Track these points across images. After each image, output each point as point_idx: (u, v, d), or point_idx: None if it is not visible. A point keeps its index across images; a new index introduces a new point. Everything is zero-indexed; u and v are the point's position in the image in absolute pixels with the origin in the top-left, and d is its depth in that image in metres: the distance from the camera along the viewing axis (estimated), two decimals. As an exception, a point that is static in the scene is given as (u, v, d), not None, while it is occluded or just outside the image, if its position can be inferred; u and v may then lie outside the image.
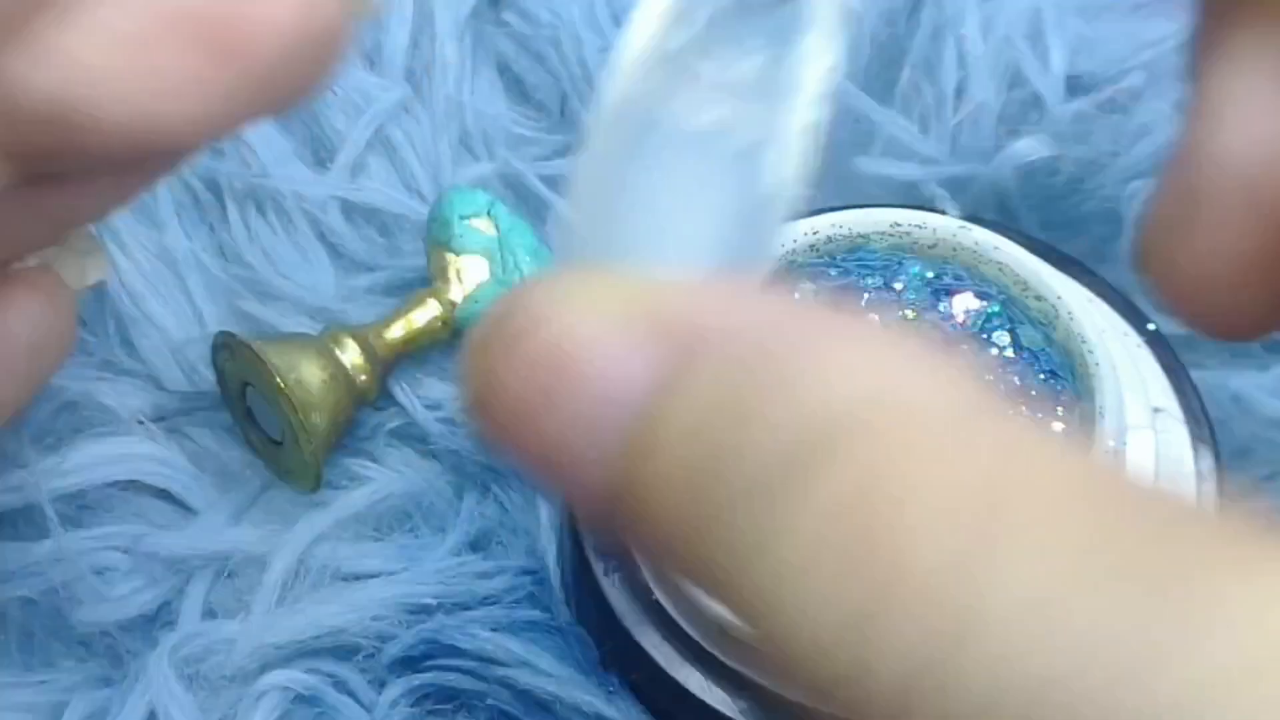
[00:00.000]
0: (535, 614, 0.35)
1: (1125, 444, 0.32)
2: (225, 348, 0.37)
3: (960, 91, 0.41)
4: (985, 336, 0.33)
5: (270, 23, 0.23)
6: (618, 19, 0.43)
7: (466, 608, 0.36)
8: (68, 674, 0.36)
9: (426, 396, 0.39)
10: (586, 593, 0.34)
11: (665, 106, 0.21)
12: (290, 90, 0.24)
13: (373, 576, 0.36)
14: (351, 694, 0.35)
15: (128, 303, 0.39)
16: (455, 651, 0.35)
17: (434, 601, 0.35)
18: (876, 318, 0.22)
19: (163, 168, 0.27)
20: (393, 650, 0.35)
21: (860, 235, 0.34)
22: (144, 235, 0.40)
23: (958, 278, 0.34)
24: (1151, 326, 0.36)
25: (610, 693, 0.34)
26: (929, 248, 0.34)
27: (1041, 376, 0.33)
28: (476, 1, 0.43)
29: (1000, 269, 0.33)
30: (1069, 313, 0.33)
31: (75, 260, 0.28)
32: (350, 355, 0.37)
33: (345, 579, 0.36)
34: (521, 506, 0.37)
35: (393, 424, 0.38)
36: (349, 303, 0.39)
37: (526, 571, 0.36)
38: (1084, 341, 0.32)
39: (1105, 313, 0.36)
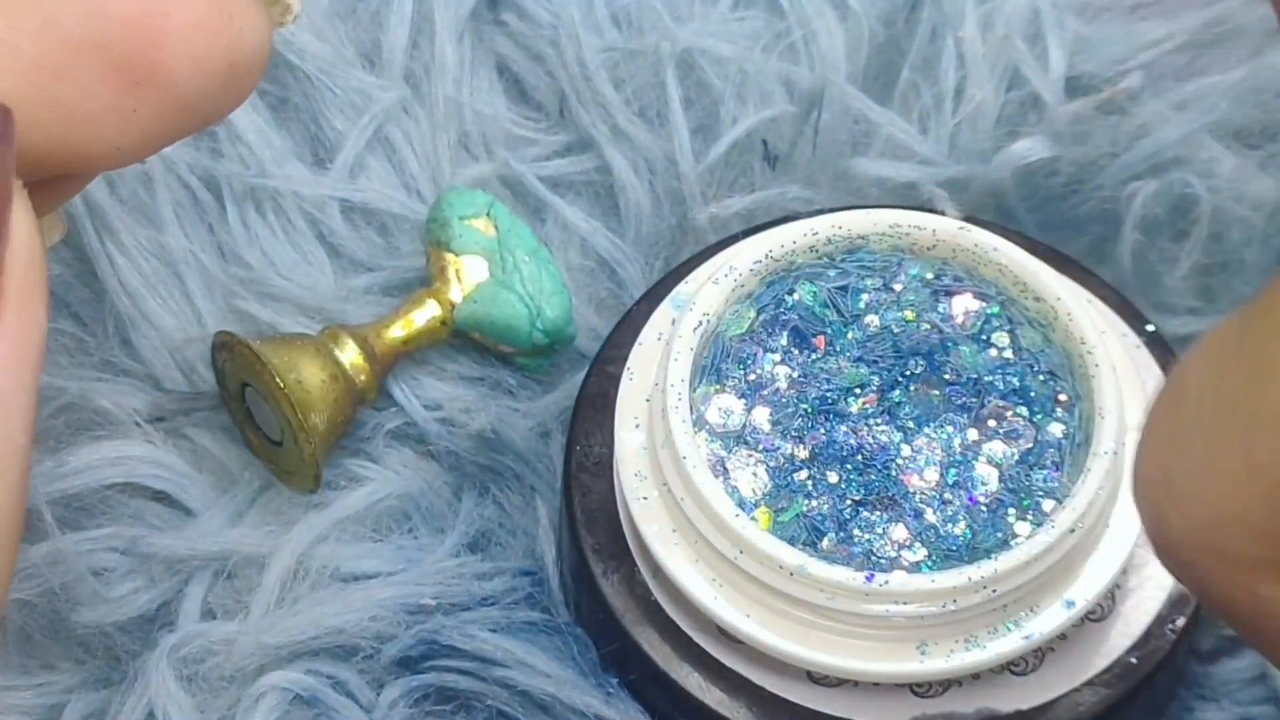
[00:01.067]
0: (534, 615, 0.35)
1: (1125, 445, 0.32)
2: (224, 347, 0.37)
3: (959, 92, 0.41)
4: (984, 338, 0.33)
5: (187, 52, 0.23)
6: (617, 19, 0.43)
7: (465, 608, 0.36)
8: (66, 675, 0.36)
9: (426, 397, 0.39)
10: (585, 593, 0.34)
11: None
12: (213, 112, 0.24)
13: (372, 577, 0.36)
14: (350, 695, 0.35)
15: (126, 302, 0.39)
16: (454, 652, 0.35)
17: (433, 602, 0.35)
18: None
19: (102, 172, 0.27)
20: (392, 651, 0.35)
21: (859, 236, 0.34)
22: (143, 235, 0.40)
23: (957, 279, 0.34)
24: (1150, 327, 0.36)
25: (609, 694, 0.34)
26: (928, 249, 0.34)
27: (1041, 377, 0.33)
28: (476, 2, 0.43)
29: (999, 270, 0.33)
30: (1068, 313, 0.33)
31: None
32: (350, 355, 0.37)
33: (344, 580, 0.36)
34: (520, 507, 0.37)
35: (392, 424, 0.38)
36: (348, 303, 0.39)
37: (525, 572, 0.36)
38: (1083, 342, 0.32)
39: (1104, 313, 0.36)
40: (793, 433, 0.33)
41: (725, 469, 0.32)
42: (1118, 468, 0.31)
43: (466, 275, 0.38)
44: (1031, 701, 0.32)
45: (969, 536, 0.31)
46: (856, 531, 0.31)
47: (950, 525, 0.31)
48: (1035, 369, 0.33)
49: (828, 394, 0.33)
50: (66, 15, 0.22)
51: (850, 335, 0.34)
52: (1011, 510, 0.32)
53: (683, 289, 0.36)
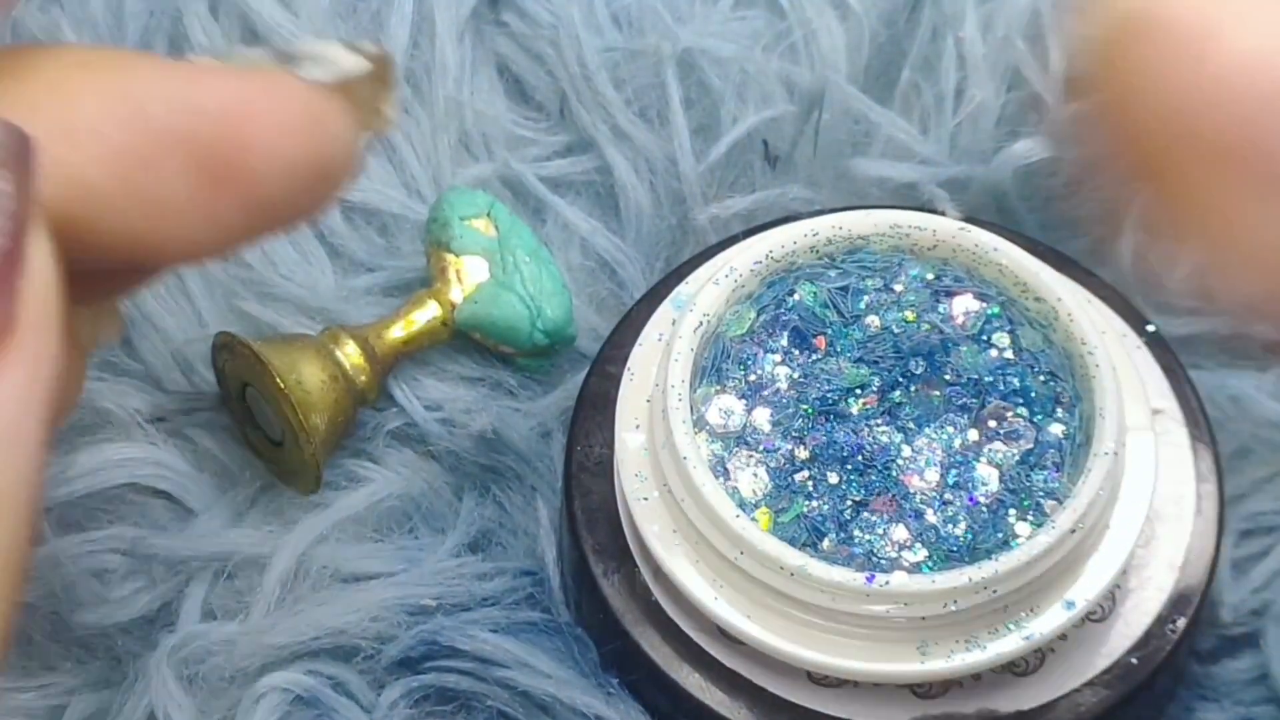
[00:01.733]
0: (535, 615, 0.35)
1: (1125, 445, 0.32)
2: (225, 348, 0.37)
3: (960, 92, 0.41)
4: (985, 338, 0.33)
5: (273, 151, 0.22)
6: (617, 19, 0.43)
7: (466, 609, 0.36)
8: (67, 676, 0.36)
9: (426, 397, 0.39)
10: (586, 594, 0.34)
11: None
12: (297, 213, 0.23)
13: (372, 578, 0.36)
14: (351, 695, 0.35)
15: (127, 303, 0.39)
16: (455, 653, 0.35)
17: (434, 602, 0.36)
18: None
19: (177, 265, 0.27)
20: (392, 651, 0.35)
21: (860, 237, 0.34)
22: (143, 236, 0.40)
23: (957, 279, 0.34)
24: (1150, 328, 0.36)
25: (609, 694, 0.34)
26: (929, 249, 0.34)
27: (1041, 378, 0.33)
28: (476, 2, 0.43)
29: (1000, 270, 0.33)
30: (1068, 314, 0.33)
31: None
32: (350, 356, 0.37)
33: (345, 580, 0.36)
34: (521, 507, 0.37)
35: (392, 425, 0.38)
36: (349, 303, 0.40)
37: (526, 573, 0.36)
38: (1084, 343, 0.32)
39: (1104, 314, 0.36)
40: (793, 433, 0.33)
41: (726, 469, 0.32)
42: (1118, 468, 0.31)
43: (467, 275, 0.38)
44: (1032, 702, 0.32)
45: (969, 537, 0.31)
46: (857, 532, 0.32)
47: (951, 526, 0.31)
48: (1036, 369, 0.33)
49: (828, 394, 0.33)
50: (157, 106, 0.22)
51: (851, 336, 0.34)
52: (1012, 511, 0.32)
53: (683, 289, 0.36)
